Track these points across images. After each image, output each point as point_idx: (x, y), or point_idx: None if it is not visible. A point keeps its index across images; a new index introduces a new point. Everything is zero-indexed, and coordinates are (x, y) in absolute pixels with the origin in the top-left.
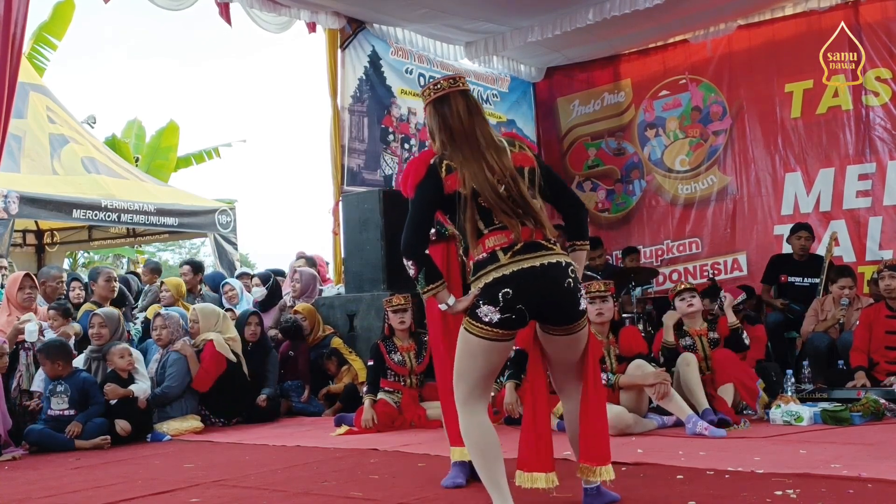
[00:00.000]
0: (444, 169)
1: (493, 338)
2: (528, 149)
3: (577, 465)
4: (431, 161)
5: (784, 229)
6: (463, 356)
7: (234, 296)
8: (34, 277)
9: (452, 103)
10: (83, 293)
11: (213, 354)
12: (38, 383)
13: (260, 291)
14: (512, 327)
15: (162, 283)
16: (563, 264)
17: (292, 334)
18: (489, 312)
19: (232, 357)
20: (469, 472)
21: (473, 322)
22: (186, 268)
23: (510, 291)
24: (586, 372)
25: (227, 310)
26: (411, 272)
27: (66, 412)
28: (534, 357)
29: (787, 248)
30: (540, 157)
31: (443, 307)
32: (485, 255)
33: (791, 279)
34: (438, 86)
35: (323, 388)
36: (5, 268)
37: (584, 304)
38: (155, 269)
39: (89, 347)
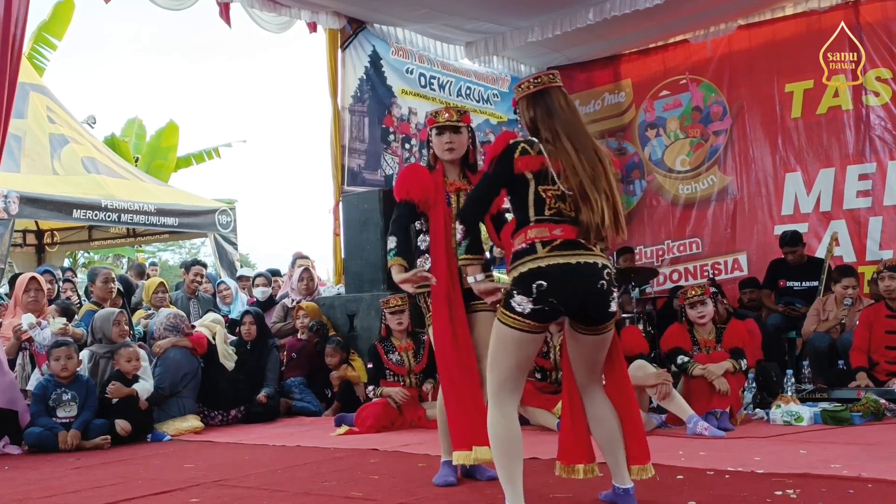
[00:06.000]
0: (518, 150)
1: (525, 329)
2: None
3: (629, 467)
4: (511, 141)
5: (784, 229)
6: (495, 347)
7: (228, 295)
8: (40, 280)
9: (554, 97)
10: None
11: (197, 335)
12: (33, 382)
13: (264, 290)
14: (543, 320)
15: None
16: (599, 265)
17: (320, 334)
18: (522, 302)
19: (211, 338)
20: (461, 472)
21: (507, 313)
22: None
23: (544, 284)
24: (619, 372)
25: (224, 315)
26: (458, 236)
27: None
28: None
29: None
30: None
31: (469, 279)
32: (524, 245)
33: (790, 283)
34: (539, 80)
35: (325, 377)
36: None
37: (614, 306)
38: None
39: (94, 346)
